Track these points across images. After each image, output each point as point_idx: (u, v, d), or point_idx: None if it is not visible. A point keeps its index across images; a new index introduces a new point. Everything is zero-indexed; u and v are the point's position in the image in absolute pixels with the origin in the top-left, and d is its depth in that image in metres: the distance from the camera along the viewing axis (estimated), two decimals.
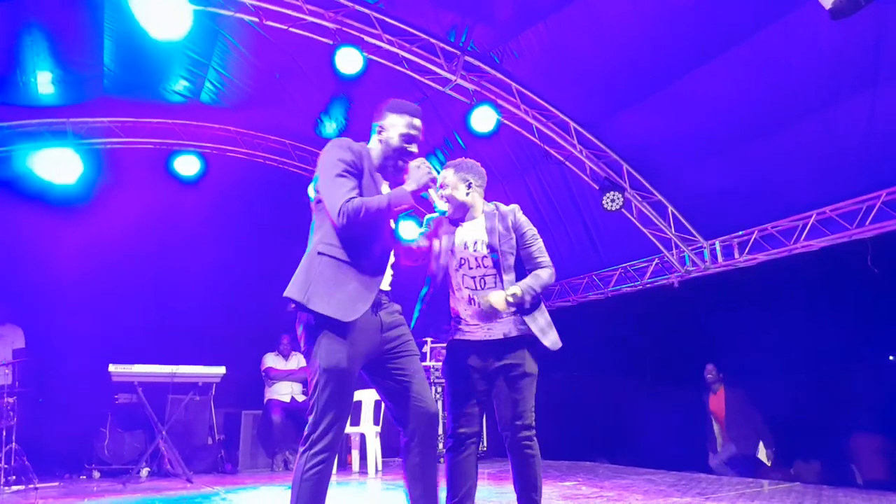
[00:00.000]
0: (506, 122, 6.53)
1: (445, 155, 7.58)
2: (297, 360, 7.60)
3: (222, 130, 7.70)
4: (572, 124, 6.58)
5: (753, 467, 6.06)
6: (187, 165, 7.34)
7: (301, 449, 2.31)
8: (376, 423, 6.90)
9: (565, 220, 7.55)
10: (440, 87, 6.38)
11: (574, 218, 7.44)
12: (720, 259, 6.49)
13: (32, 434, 5.95)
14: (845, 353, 5.49)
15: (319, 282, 2.42)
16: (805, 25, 4.63)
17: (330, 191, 2.36)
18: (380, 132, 2.58)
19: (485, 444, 8.11)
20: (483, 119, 6.27)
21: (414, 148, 2.57)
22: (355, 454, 7.16)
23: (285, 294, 2.45)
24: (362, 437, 6.98)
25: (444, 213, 2.76)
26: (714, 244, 6.54)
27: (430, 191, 2.51)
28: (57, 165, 6.44)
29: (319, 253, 2.44)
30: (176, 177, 7.29)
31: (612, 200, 6.49)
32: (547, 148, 6.73)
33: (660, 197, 6.70)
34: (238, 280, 7.81)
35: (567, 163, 6.76)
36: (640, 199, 6.71)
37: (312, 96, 7.03)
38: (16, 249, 6.75)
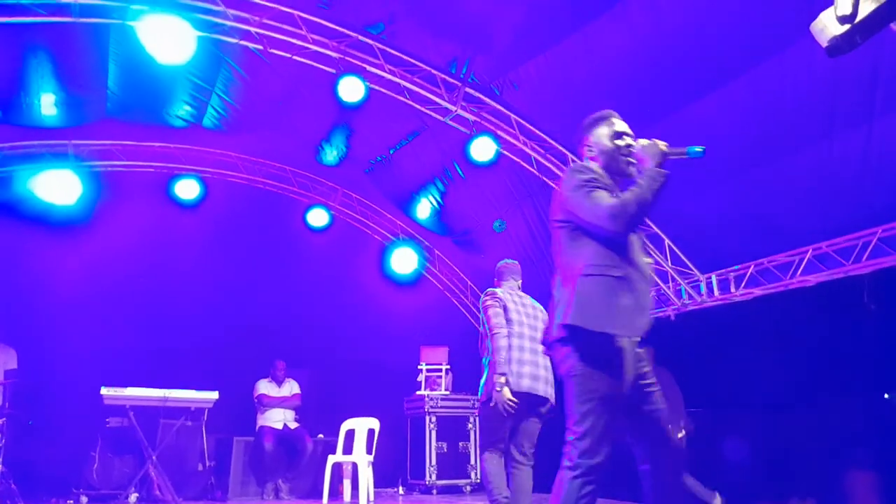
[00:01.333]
0: (505, 152, 6.58)
1: (444, 183, 7.64)
2: (289, 387, 7.54)
3: (223, 155, 7.75)
4: (570, 156, 6.64)
5: None
6: (187, 190, 7.37)
7: (572, 475, 2.29)
8: (369, 451, 6.82)
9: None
10: (440, 118, 6.44)
11: None
12: (716, 293, 6.50)
13: (20, 456, 5.87)
14: (841, 389, 5.47)
15: (592, 302, 2.34)
16: (801, 59, 4.71)
17: (590, 207, 2.38)
18: (591, 152, 2.62)
19: (478, 474, 8.01)
20: (482, 149, 6.33)
21: (628, 139, 2.57)
22: (347, 483, 7.07)
23: (558, 324, 2.37)
24: (354, 465, 6.90)
25: (701, 152, 2.49)
26: (710, 278, 6.55)
27: (663, 144, 2.43)
28: (57, 187, 6.46)
29: (584, 275, 2.38)
30: (175, 201, 7.32)
31: None
32: (545, 179, 6.78)
33: (656, 230, 6.73)
34: (234, 305, 7.78)
35: None
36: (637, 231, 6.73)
37: (314, 123, 7.10)
38: (12, 270, 6.73)
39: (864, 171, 4.96)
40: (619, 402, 2.31)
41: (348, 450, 6.85)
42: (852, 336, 5.49)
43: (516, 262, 4.50)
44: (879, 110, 4.64)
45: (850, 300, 5.50)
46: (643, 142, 2.47)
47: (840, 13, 2.96)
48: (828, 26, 3.06)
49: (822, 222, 5.51)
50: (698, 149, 2.45)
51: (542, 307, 4.30)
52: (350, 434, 6.93)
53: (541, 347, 3.71)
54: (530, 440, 4.00)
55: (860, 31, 2.98)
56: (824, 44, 3.14)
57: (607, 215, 2.33)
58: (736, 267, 6.29)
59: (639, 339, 2.38)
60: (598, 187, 2.42)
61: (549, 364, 3.96)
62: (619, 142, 2.56)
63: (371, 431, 6.90)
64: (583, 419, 2.30)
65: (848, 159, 4.99)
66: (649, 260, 2.60)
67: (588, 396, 2.29)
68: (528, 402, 3.81)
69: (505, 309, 4.01)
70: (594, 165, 2.58)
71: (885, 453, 5.23)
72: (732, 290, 6.35)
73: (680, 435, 6.28)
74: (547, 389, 3.92)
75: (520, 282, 4.45)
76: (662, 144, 2.41)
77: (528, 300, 4.26)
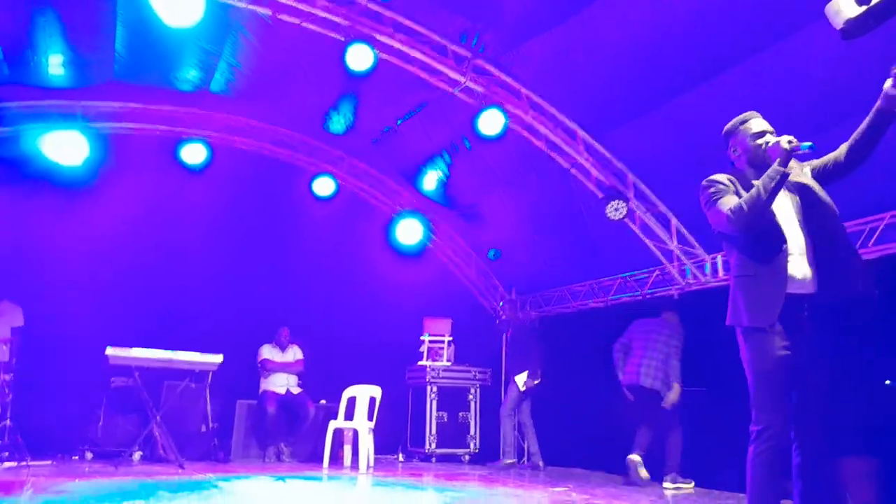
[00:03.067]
0: (513, 126, 6.53)
1: (451, 156, 7.60)
2: (293, 353, 7.63)
3: (231, 120, 7.72)
4: (579, 131, 6.59)
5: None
6: (194, 154, 7.34)
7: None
8: (370, 419, 6.93)
9: (567, 227, 7.56)
10: (449, 89, 6.39)
11: (576, 225, 7.44)
12: (721, 273, 6.49)
13: (27, 412, 5.99)
14: (839, 374, 5.48)
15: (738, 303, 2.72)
16: (811, 44, 4.63)
17: (716, 218, 2.77)
18: (737, 156, 2.92)
19: (477, 444, 8.13)
20: (491, 122, 6.27)
21: (769, 138, 2.77)
22: (347, 449, 7.18)
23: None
24: (355, 432, 7.01)
25: (812, 146, 2.66)
26: (716, 258, 6.54)
27: (784, 143, 2.61)
28: (64, 147, 6.47)
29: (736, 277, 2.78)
30: (182, 164, 7.31)
31: (616, 209, 6.50)
32: (553, 154, 6.74)
33: (663, 208, 6.70)
34: (239, 270, 7.84)
35: (573, 169, 6.77)
36: (643, 209, 6.71)
37: (322, 91, 7.05)
38: (19, 228, 6.77)
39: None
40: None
41: (349, 416, 6.96)
42: (853, 321, 5.48)
43: None
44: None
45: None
46: (772, 139, 2.71)
47: None
48: (843, 9, 3.00)
49: None
50: (808, 143, 2.62)
51: None
52: (352, 401, 7.04)
53: None
54: None
55: (875, 15, 2.93)
56: (838, 26, 3.08)
57: (727, 220, 2.68)
58: None
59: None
60: (724, 194, 2.76)
61: None
62: (759, 141, 2.81)
63: (372, 399, 7.00)
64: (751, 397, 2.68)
65: None
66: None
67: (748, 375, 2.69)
68: None
69: None
70: (743, 169, 2.88)
71: (882, 440, 5.26)
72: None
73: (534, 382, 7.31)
74: None
75: None
76: (785, 142, 2.60)
77: None
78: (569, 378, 7.92)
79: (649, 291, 7.23)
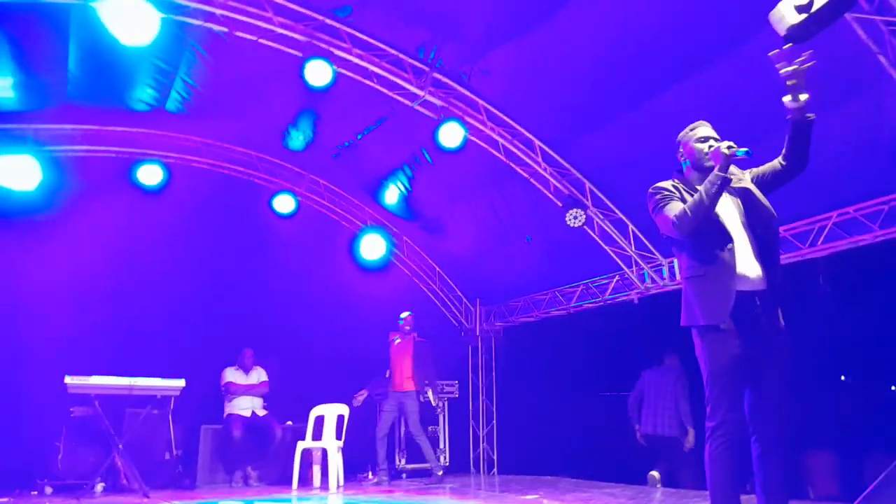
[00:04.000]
0: (472, 138, 6.61)
1: (412, 169, 7.64)
2: (257, 375, 7.50)
3: (187, 140, 7.62)
4: (537, 142, 6.71)
5: None
6: (151, 175, 7.20)
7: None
8: (339, 437, 6.86)
9: (529, 235, 7.66)
10: (408, 103, 6.44)
11: (537, 234, 7.55)
12: (678, 276, 6.63)
13: None
14: (799, 372, 5.66)
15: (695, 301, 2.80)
16: (762, 54, 4.81)
17: (662, 222, 2.87)
18: (684, 160, 3.04)
19: (447, 458, 8.10)
20: (450, 135, 6.34)
21: (711, 143, 2.89)
22: (316, 469, 7.09)
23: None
24: (324, 451, 6.92)
25: (747, 153, 2.74)
26: (672, 262, 6.70)
27: (724, 148, 2.72)
28: (17, 173, 6.28)
29: (686, 278, 2.88)
30: (139, 186, 7.17)
31: (575, 217, 6.62)
32: (512, 165, 6.84)
33: (621, 215, 6.85)
34: (200, 292, 7.70)
35: (532, 180, 6.88)
36: (601, 216, 6.85)
37: (280, 108, 7.02)
38: None
39: (819, 158, 5.10)
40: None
41: (317, 436, 6.88)
42: (809, 319, 5.69)
43: None
44: (833, 100, 4.78)
45: (807, 284, 5.70)
46: (714, 145, 2.82)
47: (797, 3, 3.06)
48: (785, 16, 3.16)
49: (779, 209, 5.66)
50: (744, 150, 2.72)
51: None
52: (319, 420, 6.97)
53: None
54: None
55: (816, 21, 3.09)
56: (782, 33, 3.24)
57: (673, 225, 2.79)
58: None
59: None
60: (669, 200, 2.86)
61: None
62: (702, 146, 2.93)
63: (340, 417, 6.95)
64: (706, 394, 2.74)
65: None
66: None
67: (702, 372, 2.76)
68: None
69: None
70: (687, 174, 3.01)
71: (843, 435, 5.44)
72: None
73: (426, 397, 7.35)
74: None
75: None
76: (725, 147, 2.71)
77: None
78: (534, 386, 8.00)
79: (610, 297, 7.36)
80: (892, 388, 6.24)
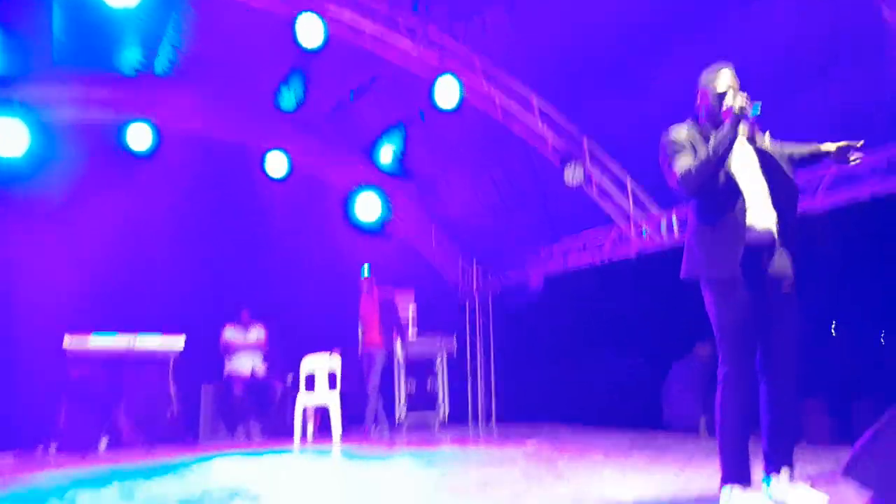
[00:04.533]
0: (469, 96, 6.54)
1: (407, 129, 7.58)
2: (256, 333, 7.55)
3: (177, 102, 7.51)
4: (534, 99, 6.66)
5: None
6: (140, 138, 7.12)
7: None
8: (332, 387, 6.91)
9: (525, 192, 7.66)
10: (402, 61, 6.35)
11: (534, 190, 7.55)
12: (676, 232, 6.68)
13: None
14: (801, 318, 5.74)
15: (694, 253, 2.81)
16: (769, 11, 4.77)
17: (669, 176, 2.79)
18: (700, 107, 2.92)
19: (447, 410, 8.23)
20: (446, 94, 6.24)
21: (727, 100, 2.73)
22: (310, 424, 7.21)
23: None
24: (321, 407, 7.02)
25: (755, 109, 2.70)
26: (671, 217, 6.73)
27: (736, 108, 2.64)
28: (4, 138, 6.19)
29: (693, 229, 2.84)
30: (129, 151, 7.09)
31: (573, 174, 6.61)
32: (508, 123, 6.80)
33: (618, 171, 6.85)
34: (197, 253, 7.69)
35: (529, 137, 6.84)
36: (599, 172, 6.85)
37: (271, 68, 6.90)
38: None
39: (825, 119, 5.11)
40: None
41: (310, 387, 6.94)
42: (804, 271, 5.75)
43: None
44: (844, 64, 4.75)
45: (804, 237, 5.73)
46: (728, 101, 2.70)
47: None
48: None
49: None
50: (757, 104, 2.67)
51: None
52: (311, 374, 7.02)
53: None
54: None
55: None
56: None
57: (677, 183, 2.74)
58: None
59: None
60: (678, 153, 2.76)
61: None
62: (718, 100, 2.80)
63: (332, 371, 7.02)
64: (717, 343, 2.75)
65: (811, 110, 5.12)
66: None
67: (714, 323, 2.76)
68: None
69: None
70: (701, 122, 2.88)
71: (833, 382, 5.56)
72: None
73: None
74: None
75: None
76: (737, 106, 2.64)
77: None
78: (531, 342, 8.10)
79: (608, 253, 7.40)
80: (881, 338, 6.35)
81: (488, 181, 7.83)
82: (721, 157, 2.65)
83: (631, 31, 5.47)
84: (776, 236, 2.78)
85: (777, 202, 2.80)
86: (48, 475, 4.59)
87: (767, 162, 2.83)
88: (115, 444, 6.31)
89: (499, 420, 8.49)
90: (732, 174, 2.74)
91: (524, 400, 7.98)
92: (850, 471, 2.49)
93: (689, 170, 2.69)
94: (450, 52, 6.38)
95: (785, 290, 2.80)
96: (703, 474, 3.71)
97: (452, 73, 6.23)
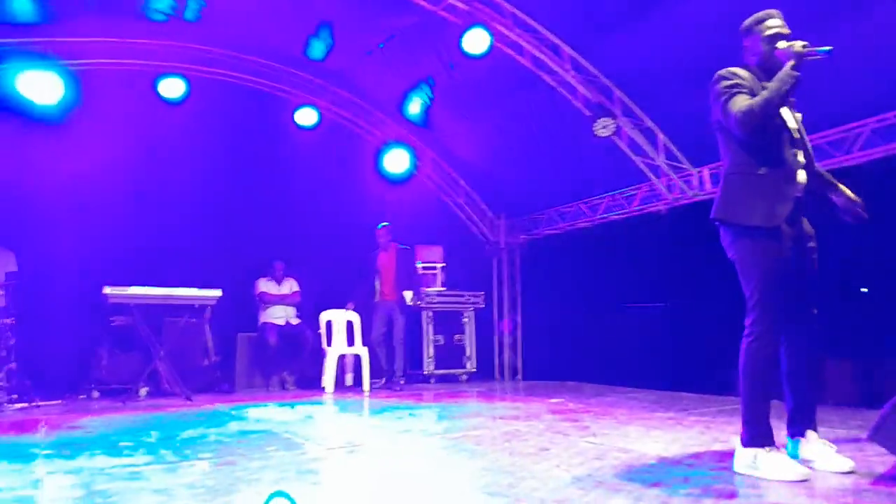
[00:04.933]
0: (498, 44, 6.42)
1: (435, 79, 7.49)
2: (289, 286, 7.71)
3: (207, 52, 7.51)
4: (565, 48, 6.49)
5: None
6: (172, 88, 7.19)
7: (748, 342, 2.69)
8: (350, 343, 7.09)
9: (554, 146, 7.55)
10: (431, 7, 6.24)
11: (563, 144, 7.44)
12: (708, 186, 6.56)
13: (31, 355, 6.05)
14: (822, 280, 5.65)
15: (733, 198, 2.80)
16: None
17: (725, 115, 2.72)
18: (748, 53, 2.88)
19: (474, 364, 8.35)
20: (476, 41, 6.16)
21: (781, 43, 2.71)
22: (349, 374, 7.39)
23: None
24: (357, 357, 7.18)
25: (829, 51, 2.62)
26: (702, 171, 6.60)
27: (799, 46, 2.61)
28: (40, 86, 6.28)
29: (730, 174, 2.82)
30: (162, 98, 7.16)
31: (605, 127, 6.48)
32: (538, 72, 6.66)
33: (650, 124, 6.70)
34: (228, 205, 7.82)
35: (559, 88, 6.71)
36: (630, 125, 6.71)
37: (300, 15, 6.85)
38: (2, 173, 6.65)
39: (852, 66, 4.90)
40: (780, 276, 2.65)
41: (351, 341, 7.13)
42: (838, 231, 5.62)
43: None
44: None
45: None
46: (783, 44, 2.69)
47: None
48: None
49: (817, 116, 5.49)
50: (826, 49, 2.59)
51: None
52: (329, 324, 7.17)
53: None
54: None
55: None
56: None
57: (736, 122, 2.65)
58: None
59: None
60: (737, 93, 2.70)
61: None
62: (770, 45, 2.76)
63: (350, 323, 7.16)
64: (751, 296, 2.69)
65: (851, 47, 4.91)
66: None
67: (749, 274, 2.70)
68: None
69: None
70: (750, 68, 2.82)
71: (859, 343, 5.49)
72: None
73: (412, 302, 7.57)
74: None
75: None
76: (799, 46, 2.60)
77: None
78: (558, 298, 8.10)
79: (637, 208, 7.31)
80: None
81: (517, 133, 7.72)
82: (783, 96, 2.61)
83: None
84: (806, 192, 2.82)
85: (808, 158, 2.85)
86: (92, 421, 4.79)
87: (799, 128, 2.88)
88: (155, 392, 6.56)
89: (525, 377, 8.59)
90: (788, 124, 2.77)
91: (550, 357, 8.04)
92: (876, 435, 2.49)
93: (752, 107, 2.62)
94: None
95: (811, 246, 2.82)
96: (727, 433, 3.74)
97: (482, 24, 6.10)
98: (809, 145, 2.90)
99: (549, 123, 7.33)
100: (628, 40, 6.06)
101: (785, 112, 2.79)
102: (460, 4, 6.19)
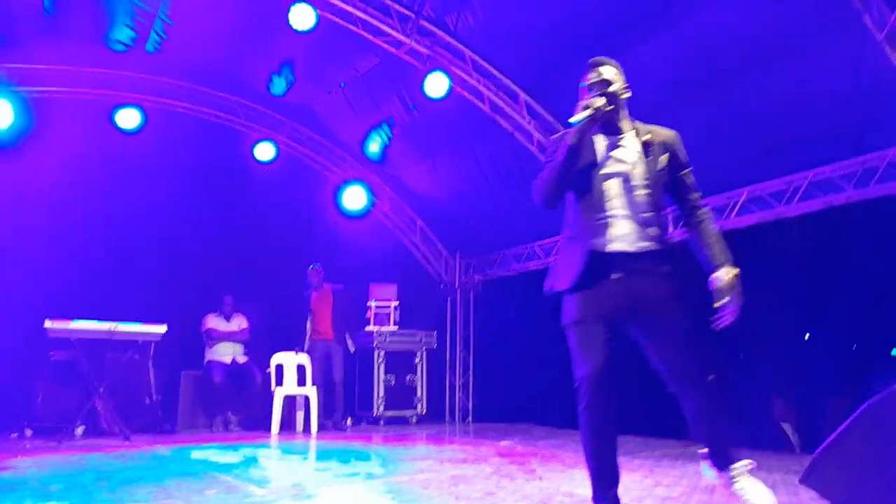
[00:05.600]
0: (457, 88, 6.56)
1: (395, 119, 7.58)
2: (238, 322, 7.56)
3: (166, 83, 7.47)
4: (522, 94, 6.67)
5: None
6: (128, 118, 7.11)
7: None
8: (301, 384, 6.96)
9: (510, 188, 7.67)
10: (393, 50, 6.35)
11: (518, 186, 7.56)
12: (670, 229, 6.71)
13: None
14: (769, 329, 5.81)
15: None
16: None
17: None
18: None
19: (424, 406, 8.27)
20: (436, 85, 6.31)
21: (590, 99, 2.59)
22: (300, 415, 7.23)
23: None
24: (306, 398, 7.04)
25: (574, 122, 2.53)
26: (665, 215, 6.75)
27: (577, 117, 2.54)
28: None
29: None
30: (117, 128, 7.06)
31: None
32: (496, 117, 6.81)
33: None
34: (180, 238, 7.65)
35: (516, 133, 6.86)
36: None
37: (262, 52, 6.89)
38: None
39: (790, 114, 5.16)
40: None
41: (302, 382, 6.98)
42: (783, 276, 5.82)
43: None
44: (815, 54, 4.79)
45: (778, 242, 5.81)
46: (579, 113, 2.56)
47: None
48: None
49: (756, 168, 5.73)
50: (574, 119, 2.55)
51: None
52: (279, 367, 7.03)
53: None
54: None
55: None
56: None
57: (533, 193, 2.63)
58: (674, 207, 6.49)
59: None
60: (550, 161, 2.61)
61: None
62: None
63: (301, 366, 7.04)
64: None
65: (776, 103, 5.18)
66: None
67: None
68: None
69: None
70: None
71: (805, 387, 5.64)
72: (670, 230, 6.59)
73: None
74: None
75: None
76: (583, 112, 2.53)
77: None
78: (510, 339, 8.14)
79: None
80: (853, 345, 6.44)
81: (474, 174, 7.82)
82: (560, 170, 2.51)
83: (619, 27, 5.47)
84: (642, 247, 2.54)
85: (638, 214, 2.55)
86: (23, 461, 4.57)
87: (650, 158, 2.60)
88: (92, 431, 6.29)
89: (476, 419, 8.55)
90: (600, 182, 2.57)
91: (502, 399, 8.03)
92: (808, 478, 2.55)
93: (538, 181, 2.57)
94: (440, 43, 6.38)
95: (661, 311, 2.53)
96: (670, 477, 3.78)
97: (442, 70, 6.25)
98: (684, 190, 2.65)
99: (504, 166, 7.47)
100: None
101: (624, 154, 2.60)
102: (422, 49, 6.32)
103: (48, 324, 5.60)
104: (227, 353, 7.35)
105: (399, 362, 8.15)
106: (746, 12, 4.81)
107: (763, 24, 4.82)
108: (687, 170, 2.68)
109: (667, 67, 5.52)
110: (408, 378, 8.17)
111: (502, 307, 8.31)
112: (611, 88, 2.63)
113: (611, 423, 2.51)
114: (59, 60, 6.71)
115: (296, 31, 5.59)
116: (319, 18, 5.67)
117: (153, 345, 6.39)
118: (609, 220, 2.54)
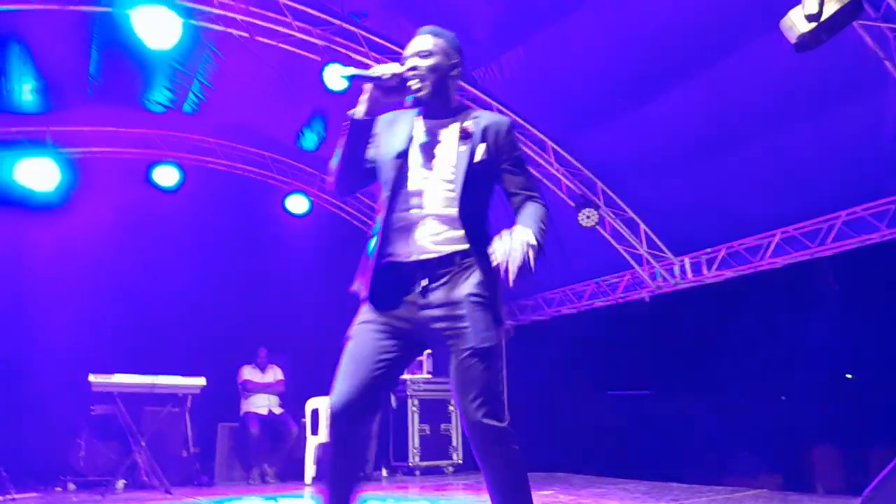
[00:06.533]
0: None
1: None
2: (273, 374, 7.61)
3: (202, 141, 7.76)
4: (549, 142, 6.80)
5: None
6: (166, 176, 7.38)
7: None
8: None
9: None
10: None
11: (549, 233, 7.62)
12: (689, 275, 6.73)
13: (7, 444, 5.87)
14: (808, 367, 5.74)
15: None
16: (764, 54, 4.92)
17: None
18: None
19: (460, 455, 8.19)
20: None
21: (411, 83, 2.17)
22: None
23: None
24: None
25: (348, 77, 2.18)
26: (683, 260, 6.78)
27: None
28: (36, 173, 6.43)
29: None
30: (155, 186, 7.33)
31: (588, 217, 6.70)
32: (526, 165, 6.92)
33: (632, 214, 6.93)
34: (216, 291, 7.80)
35: (544, 180, 6.96)
36: (613, 215, 6.94)
37: (295, 109, 7.14)
38: None
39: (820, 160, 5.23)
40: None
41: (315, 429, 6.94)
42: (818, 316, 5.76)
43: None
44: (833, 103, 4.88)
45: (816, 281, 5.77)
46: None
47: (807, 12, 3.17)
48: (796, 24, 3.28)
49: (791, 208, 5.76)
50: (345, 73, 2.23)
51: None
52: (315, 413, 7.02)
53: None
54: None
55: (825, 29, 3.20)
56: (793, 40, 3.35)
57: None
58: (708, 250, 6.52)
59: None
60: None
61: None
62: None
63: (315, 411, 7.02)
64: None
65: (805, 149, 5.25)
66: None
67: None
68: None
69: None
70: None
71: (848, 430, 5.52)
72: (704, 272, 6.59)
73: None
74: None
75: None
76: (359, 70, 2.19)
77: None
78: (546, 384, 8.07)
79: (621, 295, 7.44)
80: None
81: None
82: (346, 150, 2.18)
83: (644, 74, 5.61)
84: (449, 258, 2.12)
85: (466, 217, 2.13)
86: None
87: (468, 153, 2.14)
88: (132, 484, 6.33)
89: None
90: (410, 173, 2.15)
91: (538, 447, 7.91)
92: None
93: (333, 164, 2.21)
94: (468, 96, 6.56)
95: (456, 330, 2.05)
96: None
97: None
98: (509, 184, 2.24)
99: None
100: (609, 135, 6.38)
101: (447, 146, 2.18)
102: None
103: (92, 378, 5.71)
104: (262, 404, 7.39)
105: (433, 411, 8.10)
106: (778, 65, 4.91)
107: (794, 76, 4.92)
108: (513, 162, 2.24)
109: (700, 115, 5.64)
110: (442, 427, 8.11)
111: (536, 353, 8.27)
112: (427, 61, 2.19)
113: None
114: (101, 121, 7.04)
115: (329, 90, 5.78)
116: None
117: (190, 397, 6.47)
118: (413, 218, 2.14)
